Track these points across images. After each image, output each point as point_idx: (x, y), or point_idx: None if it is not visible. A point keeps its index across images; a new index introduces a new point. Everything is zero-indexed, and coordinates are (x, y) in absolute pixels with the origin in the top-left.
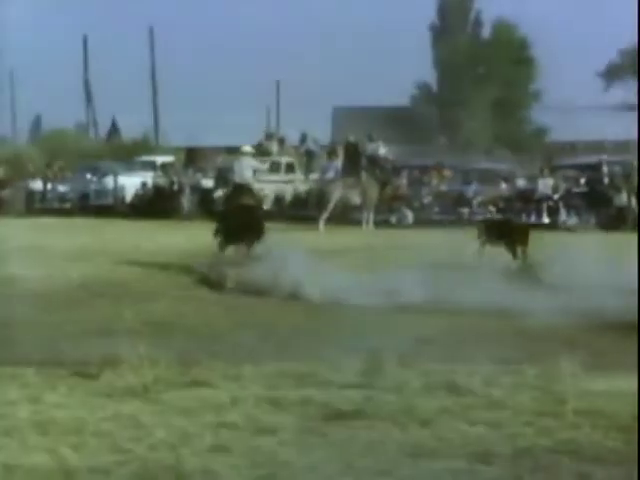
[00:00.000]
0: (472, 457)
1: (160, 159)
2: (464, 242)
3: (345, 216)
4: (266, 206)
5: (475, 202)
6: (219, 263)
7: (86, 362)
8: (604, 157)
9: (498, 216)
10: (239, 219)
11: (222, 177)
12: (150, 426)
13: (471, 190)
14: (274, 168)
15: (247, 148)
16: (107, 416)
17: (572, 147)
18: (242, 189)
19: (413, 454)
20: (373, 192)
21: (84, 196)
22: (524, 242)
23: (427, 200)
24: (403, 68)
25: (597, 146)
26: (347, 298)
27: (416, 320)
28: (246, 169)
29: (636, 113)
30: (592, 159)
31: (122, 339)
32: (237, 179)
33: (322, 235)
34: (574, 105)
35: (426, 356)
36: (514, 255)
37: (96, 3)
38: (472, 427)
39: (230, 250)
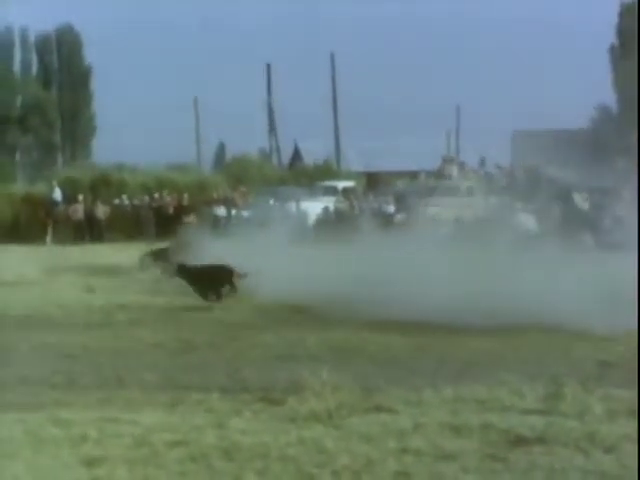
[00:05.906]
0: None
1: (341, 184)
2: None
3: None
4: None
5: None
6: None
7: (271, 387)
8: None
9: None
10: None
11: (402, 202)
12: (333, 451)
13: None
14: (453, 192)
15: None
16: (291, 441)
17: None
18: None
19: None
20: (552, 216)
21: None
22: None
23: (607, 223)
24: (583, 90)
25: None
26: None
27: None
28: None
29: None
30: None
31: (305, 364)
32: None
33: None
34: None
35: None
36: None
37: (279, 32)
38: None
39: None
